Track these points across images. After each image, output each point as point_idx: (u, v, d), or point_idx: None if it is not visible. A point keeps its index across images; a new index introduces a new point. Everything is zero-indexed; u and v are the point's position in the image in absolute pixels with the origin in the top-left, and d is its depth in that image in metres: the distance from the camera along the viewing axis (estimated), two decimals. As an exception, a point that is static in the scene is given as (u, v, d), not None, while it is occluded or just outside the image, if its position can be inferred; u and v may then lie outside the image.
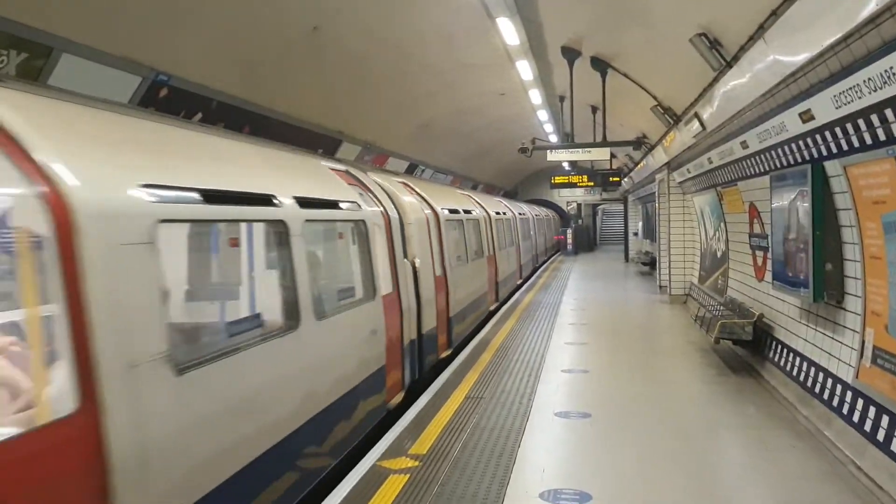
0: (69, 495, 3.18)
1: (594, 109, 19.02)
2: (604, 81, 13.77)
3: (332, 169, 8.00)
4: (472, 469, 5.98)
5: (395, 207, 9.28)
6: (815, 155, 7.02)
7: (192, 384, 4.06)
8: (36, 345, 3.55)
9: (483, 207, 17.00)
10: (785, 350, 8.60)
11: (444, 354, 10.85)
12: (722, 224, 12.87)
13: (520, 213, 25.19)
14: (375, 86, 13.74)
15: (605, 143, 15.23)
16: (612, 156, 23.00)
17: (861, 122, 5.63)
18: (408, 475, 5.87)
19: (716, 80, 9.10)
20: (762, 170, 9.03)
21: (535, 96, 16.61)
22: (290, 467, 5.27)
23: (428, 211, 11.04)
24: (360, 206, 7.74)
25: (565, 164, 32.11)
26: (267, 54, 9.95)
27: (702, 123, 10.39)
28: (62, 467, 3.15)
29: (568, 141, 20.83)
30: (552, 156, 16.71)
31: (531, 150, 15.15)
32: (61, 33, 6.76)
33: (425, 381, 9.38)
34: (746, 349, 10.08)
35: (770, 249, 9.32)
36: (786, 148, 7.71)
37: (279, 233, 5.59)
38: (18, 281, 3.53)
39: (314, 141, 13.18)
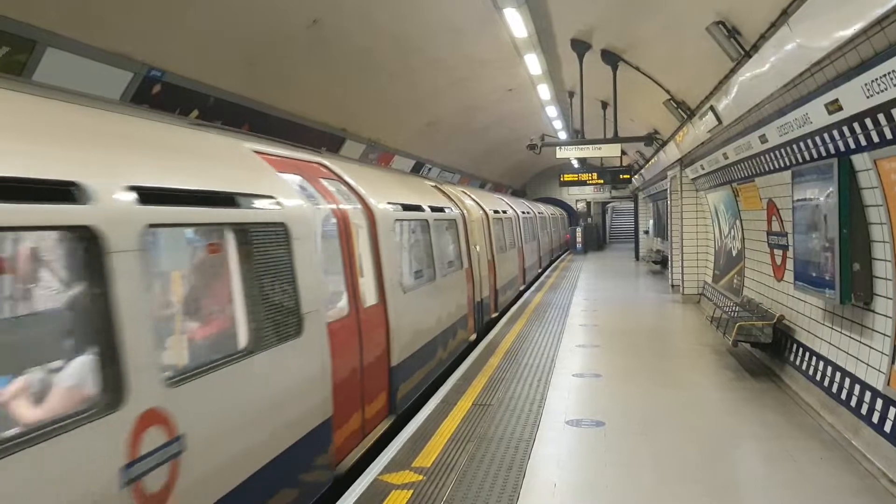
0: (381, 328, 7.20)
1: (604, 105, 18.63)
2: (615, 75, 13.38)
3: (433, 186, 12.44)
4: (479, 484, 5.62)
5: (462, 209, 12.74)
6: (842, 148, 6.63)
7: (410, 298, 8.21)
8: (368, 273, 7.25)
9: (513, 208, 20.35)
10: (807, 354, 8.20)
11: (493, 315, 14.56)
12: (737, 222, 12.46)
13: (539, 213, 27.78)
14: (380, 82, 13.39)
15: (615, 138, 14.83)
16: (623, 153, 22.65)
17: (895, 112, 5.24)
18: (411, 491, 5.52)
19: (733, 70, 8.71)
20: (782, 165, 8.63)
21: (544, 91, 16.23)
22: (443, 347, 9.85)
23: (481, 212, 14.91)
24: (451, 209, 11.95)
25: (574, 162, 31.69)
26: (265, 48, 9.61)
27: (717, 117, 9.99)
28: (379, 319, 7.17)
29: (577, 138, 20.41)
30: (561, 153, 16.30)
31: (540, 146, 14.78)
32: (45, 26, 6.43)
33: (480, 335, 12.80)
34: (765, 352, 9.69)
35: (791, 248, 8.93)
36: (809, 141, 7.31)
37: (425, 225, 9.91)
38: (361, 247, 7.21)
39: (317, 139, 12.84)
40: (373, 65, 12.26)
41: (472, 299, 12.61)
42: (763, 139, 8.77)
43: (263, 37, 9.32)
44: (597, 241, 43.17)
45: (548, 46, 13.07)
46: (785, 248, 9.42)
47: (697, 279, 16.72)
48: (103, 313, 3.19)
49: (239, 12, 8.44)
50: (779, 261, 9.83)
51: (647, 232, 32.36)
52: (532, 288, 20.70)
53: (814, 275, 7.45)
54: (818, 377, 7.70)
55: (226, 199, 4.52)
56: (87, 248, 3.19)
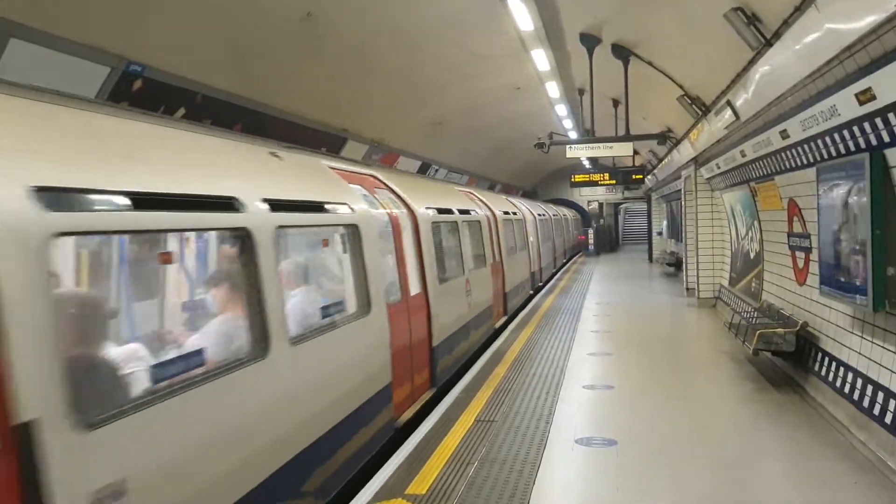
0: (424, 313, 8.42)
1: (615, 103, 18.07)
2: (626, 70, 12.83)
3: (460, 190, 13.97)
4: (478, 514, 5.09)
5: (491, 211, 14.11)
6: (874, 142, 6.07)
7: (446, 289, 9.37)
8: (412, 267, 8.41)
9: (523, 209, 20.38)
10: (834, 364, 7.63)
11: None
12: (755, 222, 11.88)
13: (553, 215, 28.45)
14: (381, 80, 12.90)
15: (627, 136, 14.26)
16: (635, 152, 22.03)
17: (940, 99, 4.69)
18: (402, 522, 5.01)
19: (753, 61, 8.16)
20: (806, 161, 8.06)
21: (553, 89, 15.70)
22: (475, 328, 11.38)
23: (488, 213, 14.96)
24: (477, 211, 13.48)
25: (585, 162, 31.15)
26: (256, 43, 9.14)
27: (735, 112, 9.45)
28: (421, 303, 8.35)
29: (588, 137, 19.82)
30: (571, 152, 15.74)
31: (548, 144, 14.25)
32: (8, 15, 5.96)
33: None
34: (787, 361, 9.11)
35: (814, 251, 8.37)
36: (836, 135, 6.75)
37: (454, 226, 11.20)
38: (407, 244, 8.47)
39: (316, 140, 12.36)
40: (373, 61, 11.78)
41: (502, 290, 14.84)
42: (784, 135, 8.21)
43: (253, 30, 8.85)
44: (609, 242, 42.55)
45: (556, 41, 12.54)
46: (808, 250, 8.85)
47: (713, 282, 16.13)
48: (255, 291, 4.52)
49: (224, 2, 7.97)
50: (801, 264, 9.26)
51: (660, 233, 31.75)
52: (543, 291, 20.15)
53: (842, 279, 6.89)
54: (847, 390, 7.13)
55: (321, 207, 6.08)
56: (244, 243, 4.53)
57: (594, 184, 25.84)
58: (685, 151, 15.68)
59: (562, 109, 18.51)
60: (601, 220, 42.90)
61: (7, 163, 2.96)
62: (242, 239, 4.51)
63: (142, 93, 7.87)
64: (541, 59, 12.75)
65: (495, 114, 19.94)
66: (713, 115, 11.04)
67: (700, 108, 11.98)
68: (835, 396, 7.43)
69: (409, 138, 17.23)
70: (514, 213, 18.34)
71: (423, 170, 20.05)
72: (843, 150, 6.80)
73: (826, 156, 7.27)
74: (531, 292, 19.91)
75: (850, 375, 7.15)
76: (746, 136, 10.01)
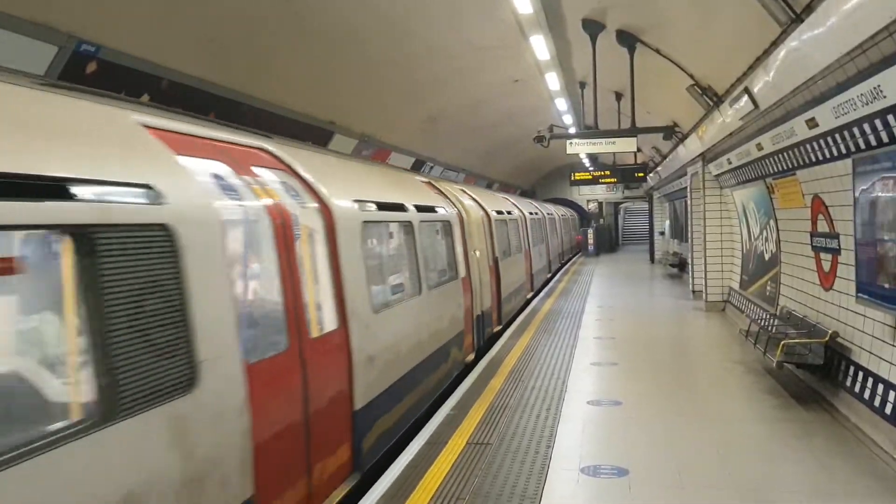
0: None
1: (618, 96, 17.29)
2: (632, 59, 12.03)
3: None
4: (468, 567, 4.28)
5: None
6: (928, 128, 5.26)
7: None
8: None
9: (519, 208, 19.48)
10: (870, 380, 6.81)
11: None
12: (771, 221, 11.07)
13: (548, 214, 26.86)
14: (372, 70, 12.08)
15: (632, 129, 13.42)
16: (637, 149, 21.20)
17: None
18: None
19: (777, 41, 7.36)
20: (837, 153, 7.23)
21: (553, 81, 14.87)
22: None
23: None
24: (513, 212, 16.15)
25: (585, 160, 30.37)
26: (230, 24, 8.32)
27: (753, 100, 8.64)
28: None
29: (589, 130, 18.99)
30: (572, 148, 14.88)
31: (548, 138, 13.42)
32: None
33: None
34: (812, 373, 8.29)
35: (844, 252, 7.57)
36: (878, 121, 5.93)
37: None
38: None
39: (300, 132, 11.54)
40: (362, 49, 10.96)
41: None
42: (811, 123, 7.38)
43: (226, 10, 8.02)
44: (609, 242, 41.74)
45: (556, 28, 11.73)
46: (835, 252, 8.03)
47: (722, 285, 15.32)
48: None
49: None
50: (827, 267, 8.44)
51: (662, 233, 30.96)
52: (541, 294, 19.32)
53: (886, 286, 6.07)
54: (889, 410, 6.32)
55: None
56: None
57: (594, 182, 25.15)
58: (692, 147, 14.87)
59: (562, 104, 17.69)
60: (601, 220, 42.07)
61: (356, 193, 6.65)
62: (407, 225, 8.17)
63: (97, 76, 7.05)
64: (540, 46, 11.92)
65: (493, 109, 19.11)
66: (727, 106, 10.23)
67: (711, 99, 11.17)
68: (872, 417, 6.61)
69: (402, 134, 16.40)
70: (510, 213, 16.90)
71: (418, 167, 19.22)
72: (886, 139, 5.98)
73: (864, 145, 6.45)
74: (528, 296, 18.87)
75: (891, 394, 6.33)
76: (764, 128, 9.19)
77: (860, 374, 7.08)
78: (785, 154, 9.04)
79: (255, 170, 5.08)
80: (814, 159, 8.07)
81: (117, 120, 3.92)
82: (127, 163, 3.58)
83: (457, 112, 17.79)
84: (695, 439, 6.71)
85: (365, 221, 6.51)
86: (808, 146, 8.01)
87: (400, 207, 8.02)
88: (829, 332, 7.67)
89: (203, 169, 4.39)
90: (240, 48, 8.94)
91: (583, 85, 16.92)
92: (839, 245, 7.88)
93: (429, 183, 10.89)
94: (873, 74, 5.56)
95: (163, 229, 3.54)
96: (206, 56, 8.49)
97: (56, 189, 2.99)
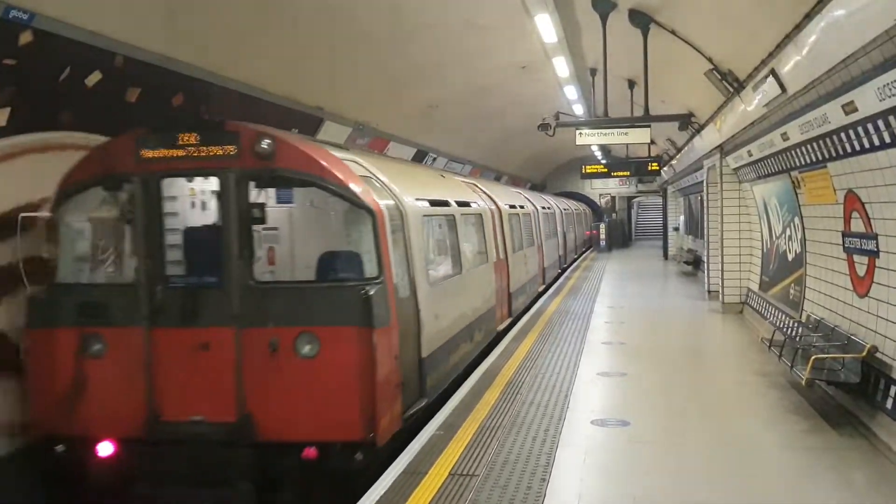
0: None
1: (631, 84, 16.30)
2: (645, 41, 11.09)
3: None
4: None
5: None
6: None
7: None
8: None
9: (532, 203, 19.52)
10: (917, 403, 5.90)
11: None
12: (796, 219, 10.12)
13: (562, 209, 27.13)
14: (365, 51, 11.22)
15: (645, 117, 12.48)
16: (651, 141, 20.20)
17: None
18: None
19: (811, 14, 6.44)
20: (880, 142, 6.30)
21: (561, 67, 13.91)
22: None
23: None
24: (525, 206, 17.43)
25: (597, 152, 29.41)
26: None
27: (781, 84, 7.73)
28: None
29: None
30: (581, 139, 13.98)
31: (554, 126, 12.52)
32: None
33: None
34: (845, 391, 7.37)
35: (884, 255, 6.65)
36: (937, 103, 5.02)
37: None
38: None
39: (284, 118, 10.68)
40: (353, 28, 10.10)
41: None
42: (849, 108, 6.45)
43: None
44: (622, 237, 40.73)
45: (564, 6, 10.80)
46: (873, 254, 7.11)
47: (740, 286, 14.36)
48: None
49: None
50: (861, 271, 7.51)
51: (676, 229, 29.96)
52: (549, 292, 18.43)
53: (942, 298, 5.15)
54: (941, 442, 5.41)
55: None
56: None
57: (606, 175, 24.12)
58: (709, 138, 13.93)
59: (571, 92, 16.70)
60: (613, 215, 41.08)
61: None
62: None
63: (33, 49, 6.20)
64: (546, 27, 10.97)
65: (499, 97, 18.16)
66: (749, 91, 9.31)
67: (732, 84, 10.21)
68: (920, 448, 5.71)
69: (400, 122, 15.52)
70: (522, 207, 16.91)
71: (420, 158, 18.33)
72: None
73: (915, 132, 5.52)
74: (540, 290, 18.77)
75: (944, 423, 5.42)
76: (792, 115, 8.27)
77: (905, 396, 6.17)
78: (815, 144, 8.10)
79: (479, 191, 11.76)
80: (849, 150, 7.13)
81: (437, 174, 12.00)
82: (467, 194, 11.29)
83: (460, 99, 16.87)
84: (712, 471, 5.82)
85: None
86: (843, 134, 7.07)
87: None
88: (868, 346, 6.74)
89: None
90: (210, 22, 8.10)
91: (594, 72, 15.94)
92: (877, 247, 6.96)
93: (471, 184, 13.76)
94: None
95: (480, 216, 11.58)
96: (170, 30, 7.64)
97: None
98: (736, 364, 9.89)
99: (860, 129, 6.60)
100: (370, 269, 6.51)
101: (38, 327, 6.44)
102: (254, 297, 6.25)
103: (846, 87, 6.36)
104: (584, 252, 35.50)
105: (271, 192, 7.15)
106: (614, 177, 26.69)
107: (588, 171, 24.15)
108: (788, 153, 9.37)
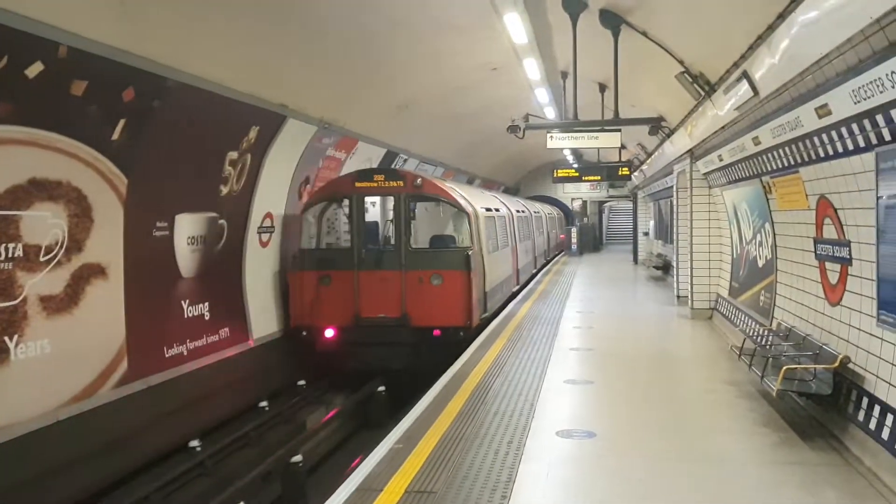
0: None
1: (602, 88, 16.17)
2: (616, 42, 10.88)
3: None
4: None
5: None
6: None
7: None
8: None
9: (507, 206, 20.99)
10: (891, 417, 5.71)
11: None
12: (767, 224, 9.97)
13: (534, 212, 28.65)
14: (331, 48, 10.88)
15: (616, 120, 12.30)
16: (622, 146, 20.08)
17: None
18: None
19: (784, 14, 6.25)
20: (854, 146, 6.12)
21: (532, 69, 13.71)
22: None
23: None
24: (500, 209, 18.91)
25: (569, 156, 29.28)
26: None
27: (753, 86, 7.53)
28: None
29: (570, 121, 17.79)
30: (552, 142, 13.74)
31: (523, 128, 12.29)
32: None
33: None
34: (817, 402, 7.19)
35: (857, 263, 6.48)
36: (915, 106, 4.83)
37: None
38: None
39: (244, 115, 10.34)
40: (317, 22, 9.76)
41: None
42: (823, 111, 6.26)
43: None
44: (593, 242, 40.72)
45: (534, 8, 10.58)
46: (845, 261, 6.94)
47: (709, 291, 14.23)
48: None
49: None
50: (833, 279, 7.34)
51: (646, 234, 29.94)
52: (519, 297, 18.20)
53: (919, 309, 4.96)
54: (915, 458, 5.22)
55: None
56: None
57: (578, 179, 23.94)
58: (680, 142, 13.79)
59: (543, 95, 16.53)
60: (585, 219, 41.05)
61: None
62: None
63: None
64: (516, 27, 10.75)
65: (471, 99, 17.90)
66: (721, 94, 9.12)
67: (703, 87, 10.05)
68: (893, 463, 5.51)
69: (370, 121, 15.20)
70: (497, 210, 18.10)
71: (390, 159, 18.03)
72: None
73: (891, 137, 5.33)
74: (514, 290, 19.73)
75: (919, 438, 5.23)
76: (764, 118, 8.10)
77: (876, 407, 5.98)
78: (787, 148, 7.93)
79: (461, 196, 14.29)
80: (822, 154, 6.95)
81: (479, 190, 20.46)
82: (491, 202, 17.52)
83: (431, 100, 16.59)
84: (680, 487, 5.58)
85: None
86: (815, 139, 6.89)
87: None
88: (840, 356, 6.56)
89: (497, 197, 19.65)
90: (165, 13, 7.73)
91: (565, 75, 15.75)
92: (850, 254, 6.79)
93: (494, 196, 20.44)
94: (912, 46, 4.46)
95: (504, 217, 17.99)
96: (121, 21, 7.27)
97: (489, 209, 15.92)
98: (705, 372, 9.71)
99: (833, 133, 6.41)
100: (467, 242, 13.58)
101: (296, 271, 12.95)
102: (410, 255, 12.78)
103: (820, 90, 6.17)
104: (556, 256, 35.38)
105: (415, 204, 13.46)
106: (585, 181, 26.56)
107: (559, 175, 23.91)
108: (760, 158, 9.21)
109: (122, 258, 8.92)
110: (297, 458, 8.68)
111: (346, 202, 12.97)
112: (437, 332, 12.35)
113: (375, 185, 13.00)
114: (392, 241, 13.03)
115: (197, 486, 8.98)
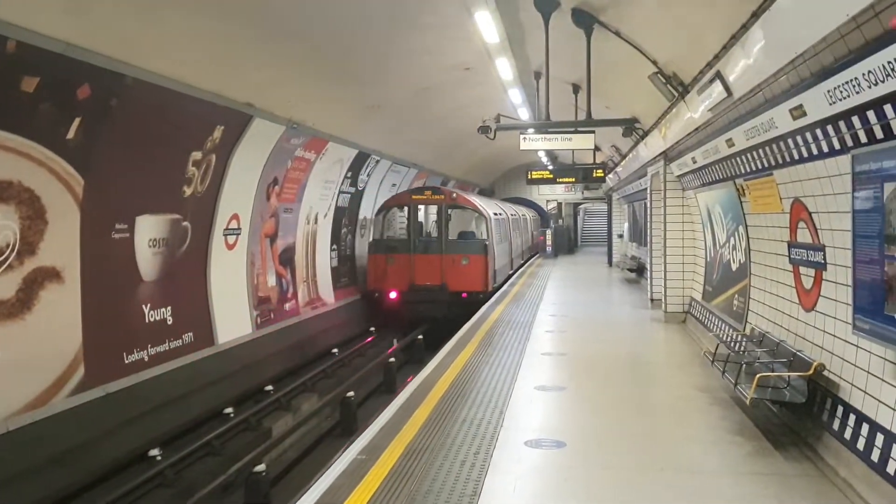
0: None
1: (576, 89, 15.99)
2: (589, 42, 10.72)
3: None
4: None
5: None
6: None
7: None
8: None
9: (483, 208, 23.72)
10: (865, 426, 5.57)
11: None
12: (741, 228, 9.86)
13: (511, 214, 30.56)
14: (300, 46, 10.60)
15: (588, 121, 12.15)
16: (596, 148, 19.98)
17: None
18: None
19: (758, 13, 6.09)
20: (828, 148, 5.98)
21: (504, 69, 13.49)
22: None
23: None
24: (502, 213, 26.60)
25: (544, 158, 29.18)
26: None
27: (727, 87, 7.39)
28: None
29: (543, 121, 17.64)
30: (525, 143, 13.56)
31: (494, 129, 12.06)
32: None
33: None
34: (791, 410, 7.05)
35: (832, 268, 6.35)
36: (891, 107, 4.68)
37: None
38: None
39: (207, 114, 10.04)
40: (283, 19, 9.48)
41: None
42: (798, 112, 6.13)
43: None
44: (568, 244, 40.69)
45: (506, 6, 10.37)
46: (819, 266, 6.81)
47: (683, 295, 14.14)
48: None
49: None
50: (808, 283, 7.22)
51: (620, 236, 29.93)
52: (491, 300, 18.03)
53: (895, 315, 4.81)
54: (892, 469, 5.07)
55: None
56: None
57: (552, 181, 23.82)
58: (654, 145, 13.67)
59: (516, 95, 16.33)
60: (560, 221, 41.01)
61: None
62: (515, 220, 29.14)
63: None
64: (488, 26, 10.53)
65: (445, 99, 17.68)
66: (694, 95, 8.97)
67: (677, 88, 9.91)
68: (868, 474, 5.36)
69: (341, 122, 14.95)
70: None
71: (362, 160, 17.78)
72: (899, 129, 4.72)
73: (867, 139, 5.19)
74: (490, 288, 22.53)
75: (895, 448, 5.08)
76: (738, 120, 7.98)
77: (851, 416, 5.84)
78: (760, 151, 7.81)
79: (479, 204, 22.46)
80: (796, 156, 6.82)
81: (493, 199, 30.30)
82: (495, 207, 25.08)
83: (404, 100, 16.35)
84: (651, 501, 5.39)
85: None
86: (790, 140, 6.76)
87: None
88: (815, 363, 6.41)
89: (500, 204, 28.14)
90: (123, 8, 7.43)
91: (538, 76, 15.59)
92: (825, 259, 6.66)
93: (496, 203, 27.60)
94: (888, 45, 4.31)
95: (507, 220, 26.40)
96: (75, 15, 6.97)
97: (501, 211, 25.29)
98: (678, 378, 9.56)
99: (808, 135, 6.28)
100: (484, 235, 20.90)
101: (372, 254, 19.67)
102: (447, 244, 19.86)
103: (795, 90, 6.04)
104: (530, 258, 35.32)
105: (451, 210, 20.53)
106: (560, 183, 26.47)
107: (534, 177, 23.68)
108: (733, 160, 9.09)
109: (79, 261, 8.61)
110: (261, 465, 8.43)
111: (406, 209, 20.05)
112: (464, 295, 19.01)
113: (424, 197, 20.37)
114: (434, 235, 20.91)
115: (157, 496, 8.70)
